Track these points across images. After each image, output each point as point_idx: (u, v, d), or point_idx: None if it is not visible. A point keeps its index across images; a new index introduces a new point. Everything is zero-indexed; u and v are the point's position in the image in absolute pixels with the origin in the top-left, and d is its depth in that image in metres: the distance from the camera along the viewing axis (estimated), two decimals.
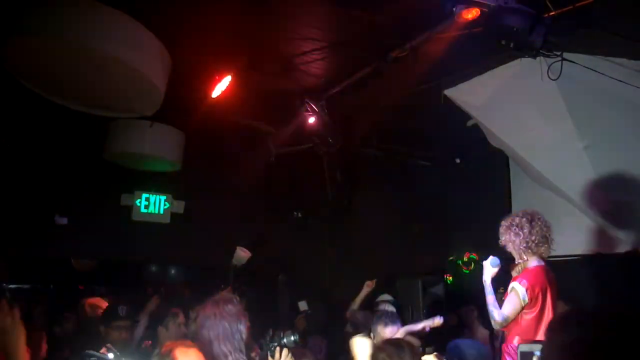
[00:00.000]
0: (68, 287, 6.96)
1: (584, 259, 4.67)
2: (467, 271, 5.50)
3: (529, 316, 2.96)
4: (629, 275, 4.22)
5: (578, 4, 2.90)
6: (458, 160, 6.18)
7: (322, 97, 4.79)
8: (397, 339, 1.99)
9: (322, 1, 3.55)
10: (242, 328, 2.38)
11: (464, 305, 5.36)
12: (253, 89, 4.68)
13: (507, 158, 5.51)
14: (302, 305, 5.53)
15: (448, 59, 3.77)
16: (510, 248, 3.10)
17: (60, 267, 6.72)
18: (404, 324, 3.92)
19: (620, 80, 3.55)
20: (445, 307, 5.45)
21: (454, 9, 2.99)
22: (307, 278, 6.59)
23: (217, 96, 4.39)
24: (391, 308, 4.34)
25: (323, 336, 4.71)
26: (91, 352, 2.40)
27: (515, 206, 5.52)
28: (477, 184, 5.89)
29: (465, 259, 5.70)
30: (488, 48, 3.53)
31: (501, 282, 3.24)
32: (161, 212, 6.25)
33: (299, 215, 6.99)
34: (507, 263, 3.26)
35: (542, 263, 3.09)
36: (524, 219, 3.05)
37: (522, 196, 5.42)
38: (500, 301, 3.04)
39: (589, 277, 4.50)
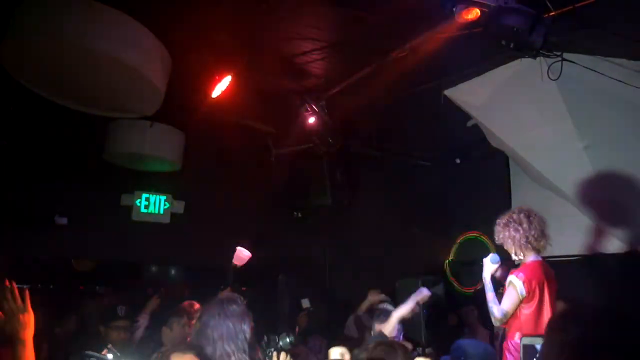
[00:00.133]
0: (68, 287, 6.96)
1: (584, 259, 4.67)
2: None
3: (527, 310, 2.99)
4: (629, 275, 4.22)
5: (578, 4, 2.90)
6: (458, 161, 6.18)
7: (322, 97, 4.79)
8: (391, 341, 1.99)
9: (322, 1, 3.54)
10: (246, 328, 2.38)
11: (464, 305, 5.37)
12: (253, 89, 4.68)
13: (507, 158, 5.51)
14: (305, 303, 5.53)
15: (448, 59, 3.77)
16: (509, 244, 3.13)
17: (60, 267, 6.72)
18: (404, 323, 3.93)
19: (620, 81, 3.56)
20: (446, 307, 5.44)
21: (454, 9, 2.99)
22: (307, 278, 6.59)
23: (217, 96, 4.39)
24: (390, 307, 4.35)
25: (323, 336, 4.71)
26: (90, 352, 2.40)
27: (515, 206, 5.52)
28: (477, 184, 5.89)
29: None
30: (488, 48, 3.53)
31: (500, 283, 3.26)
32: (161, 212, 6.25)
33: (299, 215, 6.99)
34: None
35: (540, 258, 3.13)
36: (522, 215, 3.10)
37: (522, 196, 5.42)
38: (499, 298, 3.07)
39: (589, 277, 4.51)
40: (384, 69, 4.05)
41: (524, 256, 3.12)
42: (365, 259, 6.50)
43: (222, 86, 4.31)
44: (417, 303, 3.53)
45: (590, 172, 4.19)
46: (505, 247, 3.19)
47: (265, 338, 2.40)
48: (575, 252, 4.76)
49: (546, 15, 2.95)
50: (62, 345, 3.96)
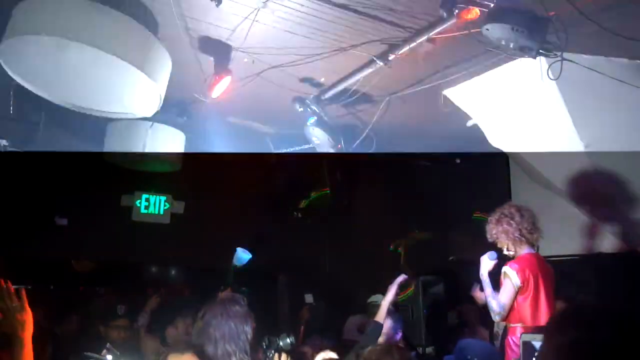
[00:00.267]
0: (68, 287, 6.96)
1: (583, 259, 4.67)
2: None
3: (524, 302, 3.03)
4: (629, 275, 4.22)
5: (578, 4, 2.90)
6: (458, 161, 6.18)
7: (322, 97, 4.80)
8: (388, 345, 1.98)
9: (322, 1, 3.54)
10: (248, 329, 2.38)
11: (464, 304, 5.36)
12: (252, 89, 4.68)
13: (507, 158, 5.51)
14: (308, 298, 5.53)
15: (448, 59, 3.77)
16: (502, 239, 3.18)
17: (60, 267, 6.72)
18: (404, 323, 3.94)
19: (620, 81, 3.55)
20: (446, 307, 5.44)
21: (454, 8, 3.00)
22: (307, 278, 6.59)
23: (217, 96, 4.39)
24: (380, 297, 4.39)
25: (323, 335, 4.71)
26: (90, 354, 2.40)
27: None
28: (477, 184, 5.89)
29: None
30: (487, 48, 3.53)
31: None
32: (161, 212, 6.26)
33: (299, 215, 7.00)
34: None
35: (534, 251, 3.19)
36: (513, 209, 3.19)
37: (522, 196, 5.42)
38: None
39: (589, 277, 4.50)
40: (383, 69, 4.04)
41: (518, 250, 3.16)
42: (365, 259, 6.50)
43: (222, 86, 4.31)
44: (399, 286, 3.59)
45: (590, 172, 4.19)
46: (499, 244, 3.23)
47: (266, 339, 2.41)
48: (575, 252, 4.76)
49: (546, 14, 2.95)
50: (63, 346, 3.96)
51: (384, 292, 5.05)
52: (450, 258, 6.05)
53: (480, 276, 3.15)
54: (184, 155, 5.61)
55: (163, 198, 6.24)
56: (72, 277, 6.98)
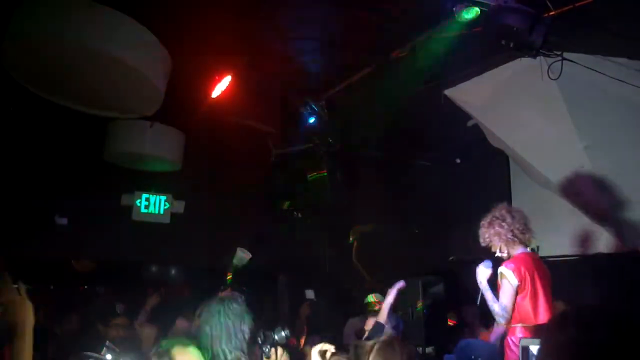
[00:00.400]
0: (68, 287, 6.96)
1: (583, 259, 4.67)
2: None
3: (523, 301, 3.03)
4: (629, 276, 4.22)
5: (578, 4, 2.90)
6: (458, 161, 6.18)
7: (322, 97, 4.80)
8: (389, 339, 1.97)
9: (322, 1, 3.55)
10: (246, 328, 2.38)
11: (464, 304, 5.36)
12: (253, 89, 4.69)
13: (507, 158, 5.51)
14: (309, 294, 5.52)
15: (448, 59, 3.77)
16: (495, 241, 3.18)
17: (60, 267, 6.72)
18: (404, 324, 3.95)
19: (620, 80, 3.55)
20: (446, 307, 5.44)
21: (454, 8, 3.00)
22: (307, 278, 6.59)
23: (217, 96, 4.40)
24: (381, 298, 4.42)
25: (322, 335, 4.70)
26: (89, 353, 2.40)
27: (516, 206, 5.50)
28: (477, 184, 5.88)
29: None
30: (488, 48, 3.53)
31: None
32: (161, 212, 6.26)
33: (299, 215, 7.00)
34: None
35: (528, 250, 3.19)
36: (503, 211, 3.19)
37: (522, 196, 5.42)
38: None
39: (588, 277, 4.50)
40: (384, 69, 4.05)
41: (512, 251, 3.17)
42: (365, 259, 6.50)
43: (222, 86, 4.32)
44: (398, 291, 3.77)
45: (591, 172, 4.19)
46: (493, 247, 3.23)
47: (261, 334, 2.40)
48: (575, 252, 4.75)
49: (546, 14, 2.95)
50: (63, 346, 3.96)
51: (384, 292, 5.07)
52: (450, 258, 6.04)
53: (479, 284, 3.15)
54: (184, 155, 5.61)
55: (163, 197, 6.24)
56: (72, 277, 6.98)
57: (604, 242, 4.53)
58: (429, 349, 4.07)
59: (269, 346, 2.32)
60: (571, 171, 4.37)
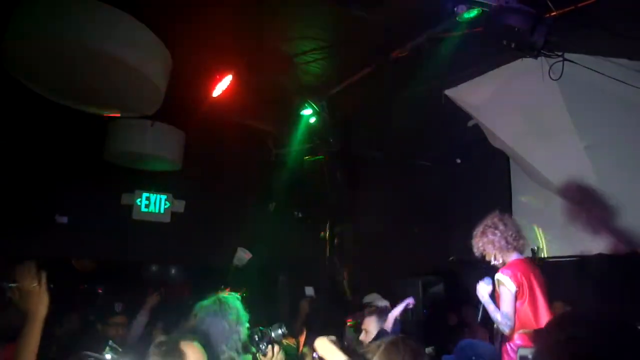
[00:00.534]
0: (69, 287, 6.96)
1: (584, 259, 4.67)
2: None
3: (522, 306, 3.05)
4: (629, 276, 4.22)
5: (579, 4, 2.89)
6: (459, 161, 6.18)
7: (322, 97, 4.79)
8: (395, 338, 1.97)
9: (322, 1, 3.54)
10: (241, 328, 2.38)
11: (464, 305, 5.36)
12: (253, 89, 4.68)
13: (507, 158, 5.51)
14: (309, 291, 5.52)
15: (449, 59, 3.77)
16: (489, 250, 3.21)
17: (60, 266, 6.71)
18: (402, 324, 3.96)
19: (621, 81, 3.55)
20: (446, 307, 5.45)
21: (455, 8, 2.99)
22: (307, 278, 6.59)
23: (218, 96, 4.39)
24: (383, 303, 4.42)
25: (321, 335, 4.69)
26: (89, 353, 2.40)
27: (516, 206, 5.51)
28: (477, 184, 5.88)
29: None
30: (489, 48, 3.53)
31: None
32: (162, 211, 6.26)
33: (299, 215, 7.00)
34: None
35: (522, 257, 3.21)
36: (495, 219, 3.23)
37: (522, 196, 5.42)
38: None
39: (589, 277, 4.50)
40: (384, 69, 4.04)
41: (506, 258, 3.20)
42: (365, 259, 6.50)
43: (222, 86, 4.32)
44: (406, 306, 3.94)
45: (591, 172, 4.19)
46: (487, 256, 3.26)
47: (258, 331, 2.39)
48: (575, 253, 4.76)
49: (547, 15, 2.95)
50: (63, 345, 3.96)
51: (384, 292, 5.08)
52: (450, 258, 6.04)
53: (481, 298, 3.17)
54: (185, 154, 5.61)
55: (163, 197, 6.24)
56: (72, 276, 6.98)
57: (604, 242, 4.53)
58: (429, 349, 4.07)
59: (265, 343, 2.32)
60: (571, 171, 4.37)
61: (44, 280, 1.84)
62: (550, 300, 3.19)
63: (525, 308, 3.04)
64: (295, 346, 4.11)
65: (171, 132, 5.39)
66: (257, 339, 2.37)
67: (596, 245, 4.57)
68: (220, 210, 6.28)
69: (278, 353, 2.31)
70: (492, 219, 3.24)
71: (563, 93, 3.95)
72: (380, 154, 6.37)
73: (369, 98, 4.91)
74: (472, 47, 3.57)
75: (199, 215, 6.31)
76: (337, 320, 4.99)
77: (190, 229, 6.22)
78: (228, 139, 5.82)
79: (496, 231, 3.17)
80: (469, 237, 3.39)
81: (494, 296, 3.15)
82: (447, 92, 4.61)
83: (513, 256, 3.18)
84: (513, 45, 2.98)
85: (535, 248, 5.11)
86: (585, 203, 4.44)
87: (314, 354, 3.21)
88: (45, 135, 5.29)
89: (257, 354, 2.35)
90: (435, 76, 4.31)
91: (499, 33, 2.98)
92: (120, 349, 2.63)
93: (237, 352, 2.33)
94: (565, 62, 3.38)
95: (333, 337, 2.20)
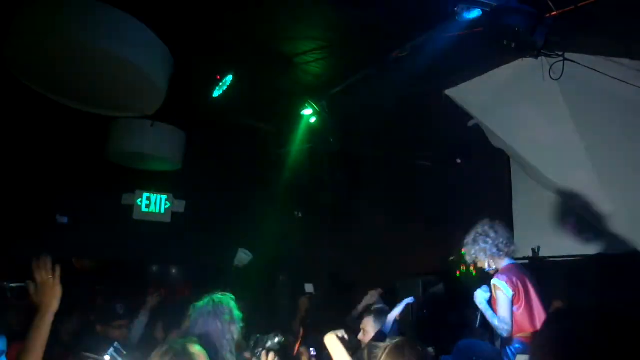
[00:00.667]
0: (69, 287, 6.96)
1: (584, 259, 4.66)
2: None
3: (519, 310, 3.10)
4: (629, 276, 4.22)
5: (580, 4, 2.89)
6: (459, 161, 6.17)
7: (322, 97, 4.79)
8: (402, 341, 1.97)
9: (323, 1, 3.54)
10: (234, 328, 2.38)
11: (465, 305, 5.36)
12: (253, 88, 4.68)
13: (508, 158, 5.50)
14: (308, 288, 5.51)
15: (449, 58, 3.76)
16: (482, 257, 3.29)
17: (61, 266, 6.72)
18: (400, 324, 3.96)
19: (622, 81, 3.55)
20: (446, 307, 5.44)
21: (456, 8, 2.99)
22: (307, 278, 6.59)
23: (218, 96, 4.39)
24: (381, 304, 4.40)
25: (322, 335, 4.69)
26: (88, 354, 2.40)
27: (516, 206, 5.51)
28: (477, 184, 5.88)
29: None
30: (489, 48, 3.53)
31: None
32: (162, 211, 6.27)
33: (299, 215, 7.00)
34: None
35: (513, 262, 3.28)
36: (486, 227, 3.31)
37: (522, 196, 5.42)
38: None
39: (589, 277, 4.50)
40: (385, 69, 4.04)
41: (498, 265, 3.27)
42: (365, 259, 6.50)
43: (223, 86, 4.32)
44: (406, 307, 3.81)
45: (592, 172, 4.19)
46: (479, 263, 3.35)
47: (255, 338, 2.40)
48: (575, 253, 4.75)
49: (548, 15, 2.95)
50: (64, 345, 3.96)
51: (385, 292, 5.07)
52: (451, 258, 6.03)
53: (479, 305, 3.23)
54: (185, 154, 5.61)
55: (164, 197, 6.25)
56: (72, 276, 6.97)
57: (604, 242, 4.52)
58: (429, 349, 4.07)
59: (260, 349, 2.32)
60: (572, 171, 4.37)
61: (58, 274, 1.89)
62: (549, 300, 3.22)
63: (522, 312, 3.09)
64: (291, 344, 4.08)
65: (172, 132, 5.40)
66: (252, 345, 2.38)
67: (596, 245, 4.57)
68: (220, 210, 6.29)
69: None
70: (483, 226, 3.32)
71: (564, 93, 3.94)
72: (380, 154, 6.35)
73: (369, 98, 4.90)
74: (472, 47, 3.57)
75: (200, 216, 6.31)
76: (336, 317, 4.99)
77: (191, 229, 6.23)
78: (228, 139, 5.83)
79: (487, 239, 3.25)
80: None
81: (490, 302, 3.19)
82: (448, 92, 4.61)
83: (505, 262, 3.25)
84: (513, 45, 2.98)
85: (536, 248, 5.12)
86: (585, 203, 4.44)
87: (311, 350, 3.21)
88: (45, 135, 5.29)
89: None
90: (435, 76, 4.31)
91: (500, 33, 2.98)
92: (125, 352, 2.63)
93: (231, 352, 2.33)
94: (565, 62, 3.38)
95: (342, 332, 2.20)
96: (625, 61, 3.64)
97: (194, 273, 7.86)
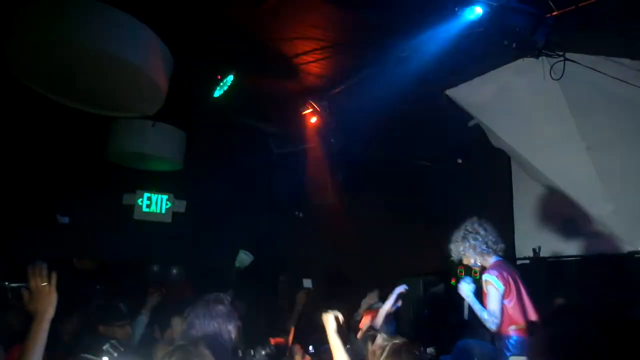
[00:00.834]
0: (70, 286, 6.96)
1: (584, 259, 4.66)
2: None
3: (510, 304, 3.17)
4: (629, 276, 4.21)
5: (581, 4, 2.89)
6: (459, 161, 6.17)
7: (323, 96, 4.79)
8: (401, 343, 1.97)
9: (323, 1, 3.54)
10: (232, 329, 2.39)
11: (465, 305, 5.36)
12: (254, 89, 4.69)
13: (508, 158, 5.50)
14: (307, 283, 5.51)
15: (450, 58, 3.76)
16: (470, 254, 3.38)
17: (61, 266, 6.72)
18: (399, 323, 3.95)
19: (622, 81, 3.55)
20: (446, 307, 5.44)
21: (457, 8, 2.99)
22: (307, 278, 6.59)
23: (219, 96, 4.40)
24: (381, 304, 4.40)
25: (323, 335, 4.69)
26: (86, 355, 2.41)
27: (517, 206, 5.51)
28: (478, 184, 5.88)
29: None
30: (490, 48, 3.53)
31: None
32: (163, 211, 6.27)
33: (300, 215, 7.00)
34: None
35: (501, 259, 3.36)
36: (475, 225, 3.41)
37: (523, 196, 5.42)
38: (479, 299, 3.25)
39: (589, 277, 4.49)
40: (385, 69, 4.04)
41: (487, 261, 3.35)
42: (365, 259, 6.50)
43: (223, 86, 4.32)
44: (398, 297, 3.77)
45: (592, 172, 4.18)
46: (465, 260, 3.44)
47: (240, 352, 2.40)
48: (576, 252, 4.75)
49: (548, 14, 2.95)
50: (64, 345, 3.96)
51: (385, 292, 5.07)
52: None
53: (466, 297, 3.30)
54: (186, 154, 5.61)
55: (165, 197, 6.25)
56: (73, 276, 6.98)
57: (604, 242, 4.52)
58: (429, 350, 4.07)
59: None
60: (573, 171, 4.36)
61: (53, 280, 1.88)
62: (549, 300, 3.25)
63: (514, 306, 3.16)
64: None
65: (172, 132, 5.40)
66: (240, 354, 2.39)
67: (596, 245, 4.56)
68: (221, 210, 6.29)
69: None
70: (472, 224, 3.42)
71: (564, 93, 3.94)
72: (381, 154, 6.35)
73: (369, 98, 4.90)
74: (473, 47, 3.57)
75: (200, 216, 6.31)
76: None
77: (191, 229, 6.23)
78: (229, 139, 5.83)
79: (477, 236, 3.35)
80: None
81: (478, 296, 3.26)
82: (448, 92, 4.61)
83: (493, 259, 3.34)
84: (514, 45, 2.99)
85: (537, 248, 5.11)
86: (585, 203, 4.44)
87: (309, 348, 3.20)
88: (46, 135, 5.30)
89: None
90: (435, 76, 4.31)
91: (500, 33, 2.98)
92: (122, 349, 2.63)
93: (227, 351, 2.34)
94: (566, 61, 3.38)
95: (338, 314, 2.20)
96: (626, 61, 3.64)
97: (194, 273, 7.85)
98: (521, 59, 3.86)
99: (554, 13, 2.95)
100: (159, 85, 3.71)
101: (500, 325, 3.13)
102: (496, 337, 3.46)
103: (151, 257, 6.92)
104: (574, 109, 4.03)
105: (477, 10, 2.97)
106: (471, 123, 5.13)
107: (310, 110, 4.89)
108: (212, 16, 3.64)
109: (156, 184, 6.15)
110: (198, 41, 3.94)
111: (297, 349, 3.85)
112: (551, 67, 3.49)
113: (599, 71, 3.53)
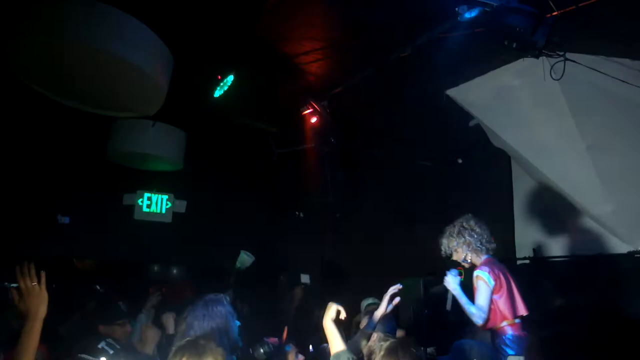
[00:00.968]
0: (70, 286, 6.96)
1: (583, 259, 4.66)
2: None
3: (501, 299, 3.21)
4: (629, 276, 4.21)
5: (581, 4, 2.89)
6: (460, 161, 6.17)
7: (324, 96, 4.80)
8: (398, 342, 1.97)
9: (323, 1, 3.55)
10: (230, 327, 2.39)
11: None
12: (254, 89, 4.69)
13: (509, 158, 5.50)
14: (304, 278, 5.53)
15: (450, 58, 3.77)
16: (464, 250, 3.42)
17: (62, 266, 6.72)
18: (398, 322, 3.94)
19: (622, 81, 3.55)
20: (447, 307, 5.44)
21: (457, 8, 2.99)
22: (305, 274, 6.59)
23: (219, 96, 4.40)
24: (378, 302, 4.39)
25: (323, 335, 4.68)
26: (85, 356, 2.41)
27: (517, 206, 5.51)
28: (478, 184, 5.88)
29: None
30: (491, 48, 3.53)
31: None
32: (163, 211, 6.27)
33: (301, 215, 7.00)
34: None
35: (491, 256, 3.39)
36: (471, 222, 3.44)
37: (523, 196, 5.42)
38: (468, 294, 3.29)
39: (588, 277, 4.49)
40: (386, 69, 4.04)
41: (477, 259, 3.39)
42: (366, 259, 6.50)
43: (224, 86, 4.32)
44: (391, 298, 3.57)
45: (592, 172, 4.18)
46: (456, 255, 3.48)
47: (238, 352, 2.39)
48: (576, 252, 4.75)
49: (549, 15, 2.95)
50: (65, 345, 3.96)
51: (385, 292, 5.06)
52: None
53: (453, 291, 3.33)
54: (186, 154, 5.62)
55: (165, 197, 6.25)
56: (73, 276, 6.98)
57: (605, 242, 4.52)
58: (430, 349, 4.07)
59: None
60: (573, 171, 4.36)
61: (43, 279, 1.87)
62: (549, 300, 3.27)
63: (504, 301, 3.20)
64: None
65: (173, 132, 5.40)
66: (238, 354, 2.39)
67: (596, 245, 4.56)
68: (221, 210, 6.29)
69: None
70: (468, 221, 3.45)
71: (564, 93, 3.94)
72: (381, 154, 6.36)
73: (369, 98, 4.91)
74: (473, 47, 3.57)
75: (201, 216, 6.31)
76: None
77: (192, 229, 6.23)
78: (230, 138, 5.83)
79: (473, 233, 3.38)
80: None
81: (468, 289, 3.30)
82: (448, 92, 4.61)
83: (484, 256, 3.37)
84: (514, 45, 2.99)
85: (537, 248, 5.11)
86: (585, 203, 4.44)
87: (309, 347, 3.20)
88: (47, 135, 5.30)
89: None
90: (436, 76, 4.31)
91: (501, 33, 2.99)
92: (118, 346, 2.62)
93: (225, 349, 2.34)
94: (566, 62, 3.39)
95: (341, 308, 2.20)
96: (626, 61, 3.64)
97: (194, 273, 7.85)
98: (521, 59, 3.87)
99: (554, 13, 2.95)
100: (159, 85, 3.71)
101: (488, 321, 3.17)
102: (495, 335, 3.47)
103: (151, 257, 6.91)
104: (574, 109, 4.03)
105: (478, 10, 2.98)
106: (471, 123, 5.13)
107: (310, 110, 4.89)
108: (212, 16, 3.64)
109: (156, 184, 6.14)
110: (198, 41, 3.94)
111: (291, 348, 3.84)
112: (551, 67, 3.50)
113: (599, 71, 3.54)
